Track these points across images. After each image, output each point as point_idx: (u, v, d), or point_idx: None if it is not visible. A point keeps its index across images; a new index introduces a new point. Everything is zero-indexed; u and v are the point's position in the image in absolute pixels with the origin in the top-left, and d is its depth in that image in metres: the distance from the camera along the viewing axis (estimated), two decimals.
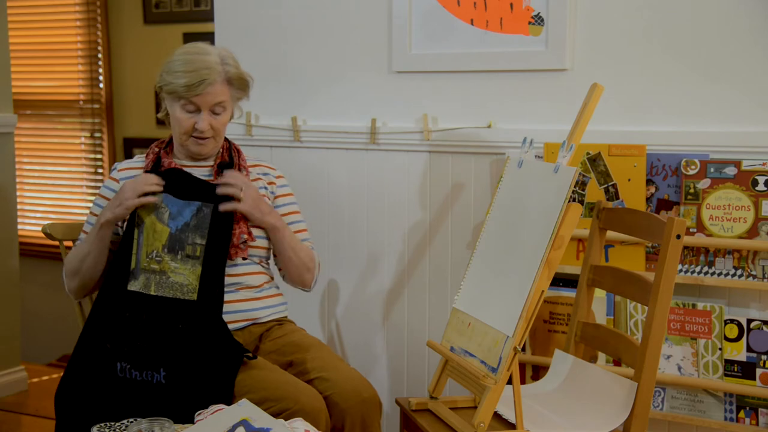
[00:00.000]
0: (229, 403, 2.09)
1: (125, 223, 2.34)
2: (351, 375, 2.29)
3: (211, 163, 2.43)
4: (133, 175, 2.41)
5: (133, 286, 2.29)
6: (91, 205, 2.58)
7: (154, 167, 2.38)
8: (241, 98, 2.44)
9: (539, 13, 2.59)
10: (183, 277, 2.29)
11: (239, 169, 2.43)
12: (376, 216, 2.91)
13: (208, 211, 2.32)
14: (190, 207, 2.32)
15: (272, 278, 2.50)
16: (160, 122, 4.95)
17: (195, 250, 2.30)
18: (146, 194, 2.30)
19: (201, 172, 2.41)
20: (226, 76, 2.34)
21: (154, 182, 2.32)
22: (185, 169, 2.39)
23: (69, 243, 2.65)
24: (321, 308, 3.04)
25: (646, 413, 2.09)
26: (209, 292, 2.27)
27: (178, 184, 2.34)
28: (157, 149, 2.45)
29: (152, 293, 2.27)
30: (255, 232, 2.39)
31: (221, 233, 2.31)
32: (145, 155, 2.46)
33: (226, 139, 2.48)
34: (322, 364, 2.30)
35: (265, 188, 2.48)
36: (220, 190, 2.33)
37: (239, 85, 2.39)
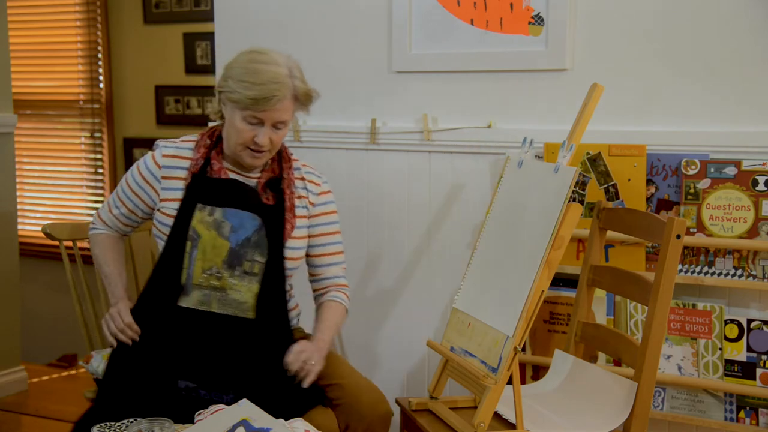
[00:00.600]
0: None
1: (170, 225, 2.24)
2: (368, 387, 2.30)
3: (259, 174, 2.31)
4: (179, 166, 2.28)
5: (186, 302, 2.20)
6: (123, 183, 2.38)
7: (202, 169, 2.26)
8: (300, 112, 2.31)
9: (539, 13, 2.59)
10: (240, 295, 2.21)
11: (284, 179, 2.30)
12: (376, 216, 2.91)
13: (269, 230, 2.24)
14: (253, 221, 2.22)
15: (292, 287, 2.43)
16: (161, 122, 4.96)
17: (253, 267, 2.21)
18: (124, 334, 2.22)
19: (248, 182, 2.30)
20: (294, 91, 2.21)
21: (128, 333, 2.21)
22: (231, 176, 2.28)
23: (69, 243, 2.65)
24: None
25: (646, 413, 2.09)
26: (269, 311, 2.23)
27: (237, 195, 2.23)
28: (207, 145, 2.30)
29: (214, 310, 2.20)
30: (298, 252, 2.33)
31: (280, 253, 2.24)
32: (194, 145, 2.31)
33: None
34: (340, 373, 2.31)
35: (306, 208, 2.35)
36: (292, 368, 2.17)
37: (304, 100, 2.26)
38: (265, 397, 2.10)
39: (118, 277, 2.37)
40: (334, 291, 2.40)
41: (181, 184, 2.27)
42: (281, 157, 2.35)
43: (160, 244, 2.29)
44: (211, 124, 2.43)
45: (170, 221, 2.25)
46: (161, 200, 2.29)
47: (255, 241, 2.22)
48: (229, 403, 2.08)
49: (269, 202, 2.27)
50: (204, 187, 2.24)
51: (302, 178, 2.37)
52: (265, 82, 2.15)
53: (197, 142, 2.32)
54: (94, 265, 2.43)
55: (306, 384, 2.17)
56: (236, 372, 2.18)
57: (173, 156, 2.30)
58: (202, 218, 2.21)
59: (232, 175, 2.29)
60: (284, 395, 2.17)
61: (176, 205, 2.26)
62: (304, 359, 2.17)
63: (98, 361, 2.53)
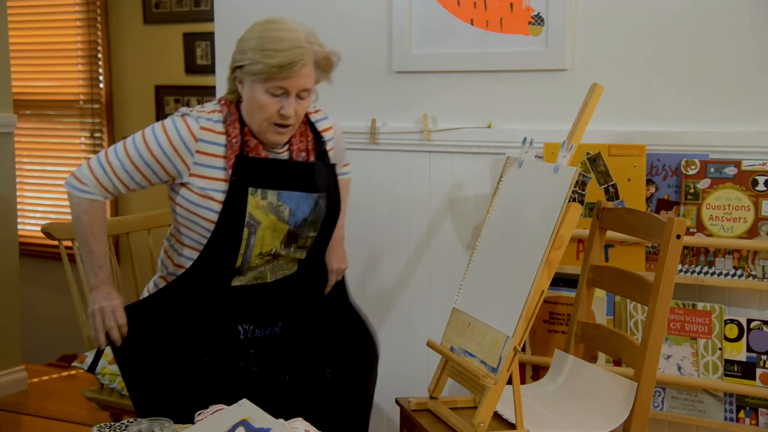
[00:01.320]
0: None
1: (212, 209, 2.13)
2: None
3: (287, 148, 2.22)
4: (216, 142, 2.13)
5: (240, 281, 2.19)
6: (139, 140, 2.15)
7: (240, 154, 2.13)
8: (321, 81, 2.21)
9: (539, 13, 2.59)
10: (290, 260, 2.25)
11: (319, 148, 2.28)
12: (376, 216, 2.91)
13: (324, 203, 2.21)
14: (308, 200, 2.18)
15: None
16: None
17: (306, 242, 2.23)
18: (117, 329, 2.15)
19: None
20: (315, 56, 2.13)
21: (121, 332, 2.14)
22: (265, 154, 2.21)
23: (68, 243, 2.65)
24: None
25: (646, 413, 2.09)
26: (311, 261, 2.30)
27: (290, 176, 2.17)
28: (238, 126, 2.16)
29: (268, 281, 2.22)
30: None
31: (330, 226, 2.27)
32: (222, 118, 2.16)
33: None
34: None
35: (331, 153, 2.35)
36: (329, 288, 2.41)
37: (324, 65, 2.17)
38: (306, 322, 2.31)
39: (106, 257, 2.20)
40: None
41: (221, 162, 2.13)
42: (311, 130, 2.29)
43: (187, 221, 2.17)
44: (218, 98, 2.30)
45: (212, 205, 2.13)
46: (192, 175, 2.13)
47: (311, 221, 2.20)
48: (276, 334, 2.28)
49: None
50: (253, 169, 2.13)
51: (320, 135, 2.31)
52: (288, 48, 2.08)
53: (224, 115, 2.17)
54: (76, 233, 2.19)
55: (327, 291, 2.41)
56: (283, 306, 2.28)
57: (210, 130, 2.14)
58: (257, 203, 2.11)
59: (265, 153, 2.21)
60: (323, 319, 2.36)
61: (219, 186, 2.13)
62: (342, 269, 2.42)
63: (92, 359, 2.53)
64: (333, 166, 2.30)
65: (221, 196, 2.12)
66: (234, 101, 2.19)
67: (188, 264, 2.20)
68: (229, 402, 1.96)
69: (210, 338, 2.19)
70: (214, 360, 2.19)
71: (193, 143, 2.11)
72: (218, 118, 2.16)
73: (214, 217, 2.12)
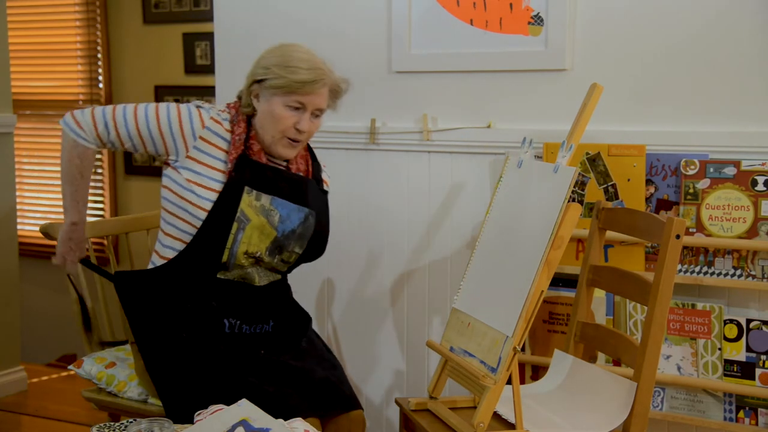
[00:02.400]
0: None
1: (205, 198, 2.22)
2: None
3: (286, 164, 2.34)
4: (221, 136, 2.25)
5: (225, 275, 2.26)
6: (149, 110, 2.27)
7: (243, 153, 2.24)
8: (329, 108, 2.35)
9: (539, 13, 2.59)
10: (273, 270, 2.33)
11: (317, 173, 2.41)
12: (376, 216, 2.91)
13: (313, 221, 2.31)
14: (299, 213, 2.28)
15: None
16: None
17: (290, 257, 2.31)
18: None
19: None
20: (333, 83, 2.30)
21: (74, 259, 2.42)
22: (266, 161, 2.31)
23: None
24: (320, 308, 3.04)
25: (645, 413, 2.09)
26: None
27: (286, 186, 2.28)
28: (243, 126, 2.27)
29: (256, 284, 2.30)
30: None
31: (317, 247, 2.35)
32: (229, 118, 2.28)
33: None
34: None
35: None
36: None
37: (336, 93, 2.34)
38: (297, 325, 2.39)
39: (86, 196, 2.39)
40: None
41: (221, 155, 2.24)
42: (312, 157, 2.43)
43: (175, 207, 2.25)
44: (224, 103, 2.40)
45: (205, 193, 2.22)
46: (189, 158, 2.24)
47: (299, 234, 2.29)
48: (268, 332, 2.32)
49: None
50: (252, 171, 2.23)
51: (319, 165, 2.46)
52: (312, 68, 2.23)
53: (232, 116, 2.29)
54: (64, 170, 2.32)
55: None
56: (272, 307, 2.35)
57: (218, 122, 2.27)
58: (250, 202, 2.22)
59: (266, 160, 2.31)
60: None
61: (215, 175, 2.23)
62: None
63: (90, 365, 2.54)
64: (326, 192, 2.42)
65: (217, 186, 2.22)
66: (248, 114, 2.30)
67: (171, 254, 2.28)
68: (202, 377, 2.17)
69: (194, 324, 2.26)
70: (192, 337, 2.26)
71: (200, 129, 2.24)
72: (227, 117, 2.29)
73: (205, 204, 2.21)
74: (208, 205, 2.21)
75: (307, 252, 2.34)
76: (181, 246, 2.27)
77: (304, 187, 2.32)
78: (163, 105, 2.28)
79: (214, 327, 2.26)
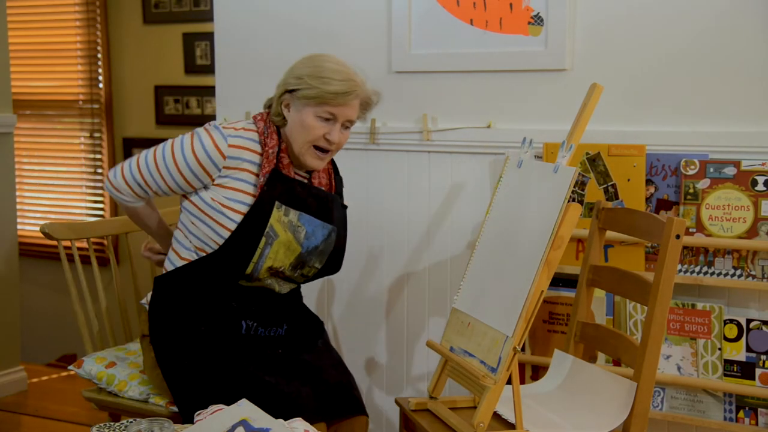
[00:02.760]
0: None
1: (232, 219, 2.22)
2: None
3: (307, 175, 2.34)
4: (247, 159, 2.22)
5: (248, 283, 2.28)
6: (167, 151, 2.27)
7: (275, 168, 2.24)
8: (358, 119, 2.35)
9: (539, 13, 2.59)
10: (293, 281, 2.37)
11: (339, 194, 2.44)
12: (376, 216, 2.91)
13: (334, 237, 2.32)
14: (323, 229, 2.29)
15: None
16: (160, 122, 4.96)
17: (310, 271, 2.33)
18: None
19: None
20: (365, 95, 2.29)
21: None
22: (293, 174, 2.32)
23: (67, 243, 2.65)
24: (320, 308, 3.04)
25: (645, 413, 2.09)
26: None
27: (315, 202, 2.29)
28: (275, 138, 2.27)
29: (277, 291, 2.32)
30: None
31: (335, 262, 2.37)
32: (258, 136, 2.25)
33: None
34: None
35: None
36: None
37: (366, 105, 2.34)
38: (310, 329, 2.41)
39: (159, 230, 2.49)
40: None
41: (251, 178, 2.23)
42: (335, 172, 2.45)
43: (197, 219, 2.25)
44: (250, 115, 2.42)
45: (233, 215, 2.21)
46: (217, 185, 2.23)
47: (321, 250, 2.31)
48: (281, 336, 2.34)
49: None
50: (282, 185, 2.24)
51: (341, 180, 2.49)
52: (345, 79, 2.22)
53: (261, 129, 2.27)
54: (134, 221, 2.51)
55: None
56: (286, 311, 2.37)
57: (240, 147, 2.23)
58: (279, 218, 2.22)
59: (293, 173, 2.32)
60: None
61: (244, 199, 2.22)
62: None
63: (90, 365, 2.53)
64: (346, 207, 2.43)
65: (244, 208, 2.22)
66: (278, 124, 2.29)
67: (191, 257, 2.30)
68: (223, 373, 2.19)
69: (213, 321, 2.28)
70: (210, 332, 2.27)
71: (221, 160, 2.22)
72: (251, 136, 2.26)
73: (232, 225, 2.21)
74: (233, 226, 2.21)
75: (325, 267, 2.35)
76: (202, 253, 2.28)
77: (330, 204, 2.33)
78: (177, 140, 2.25)
79: (232, 327, 2.28)
